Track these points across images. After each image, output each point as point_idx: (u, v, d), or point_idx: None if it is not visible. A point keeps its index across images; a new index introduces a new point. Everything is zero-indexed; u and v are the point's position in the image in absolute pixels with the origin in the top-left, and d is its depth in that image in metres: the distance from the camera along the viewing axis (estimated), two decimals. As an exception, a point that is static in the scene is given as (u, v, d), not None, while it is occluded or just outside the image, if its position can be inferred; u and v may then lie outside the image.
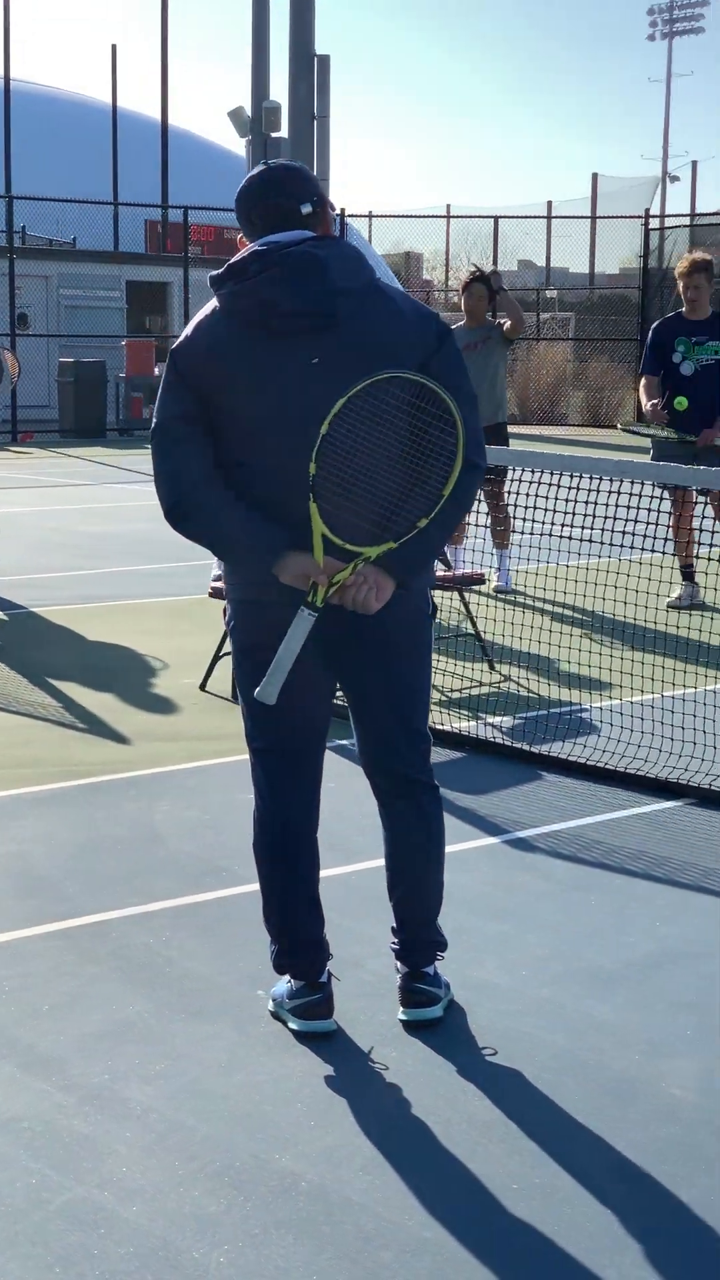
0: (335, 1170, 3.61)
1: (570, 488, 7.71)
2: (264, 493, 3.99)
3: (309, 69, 32.41)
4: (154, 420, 4.09)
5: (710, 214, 35.69)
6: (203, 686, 8.28)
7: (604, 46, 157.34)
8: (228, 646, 8.09)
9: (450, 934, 4.51)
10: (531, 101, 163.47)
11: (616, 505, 7.61)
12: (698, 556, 10.61)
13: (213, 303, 4.06)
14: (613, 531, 7.77)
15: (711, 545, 10.54)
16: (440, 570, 9.15)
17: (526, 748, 7.02)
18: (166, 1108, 3.90)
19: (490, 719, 7.57)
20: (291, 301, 3.90)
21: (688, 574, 10.65)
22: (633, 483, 7.61)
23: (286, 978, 4.36)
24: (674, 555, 10.58)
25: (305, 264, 3.93)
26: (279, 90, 30.60)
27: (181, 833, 6.00)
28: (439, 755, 6.74)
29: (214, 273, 4.05)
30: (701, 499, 10.44)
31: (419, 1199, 3.49)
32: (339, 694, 4.31)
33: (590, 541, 8.07)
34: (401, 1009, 4.32)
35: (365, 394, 3.85)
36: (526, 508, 8.08)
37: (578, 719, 7.58)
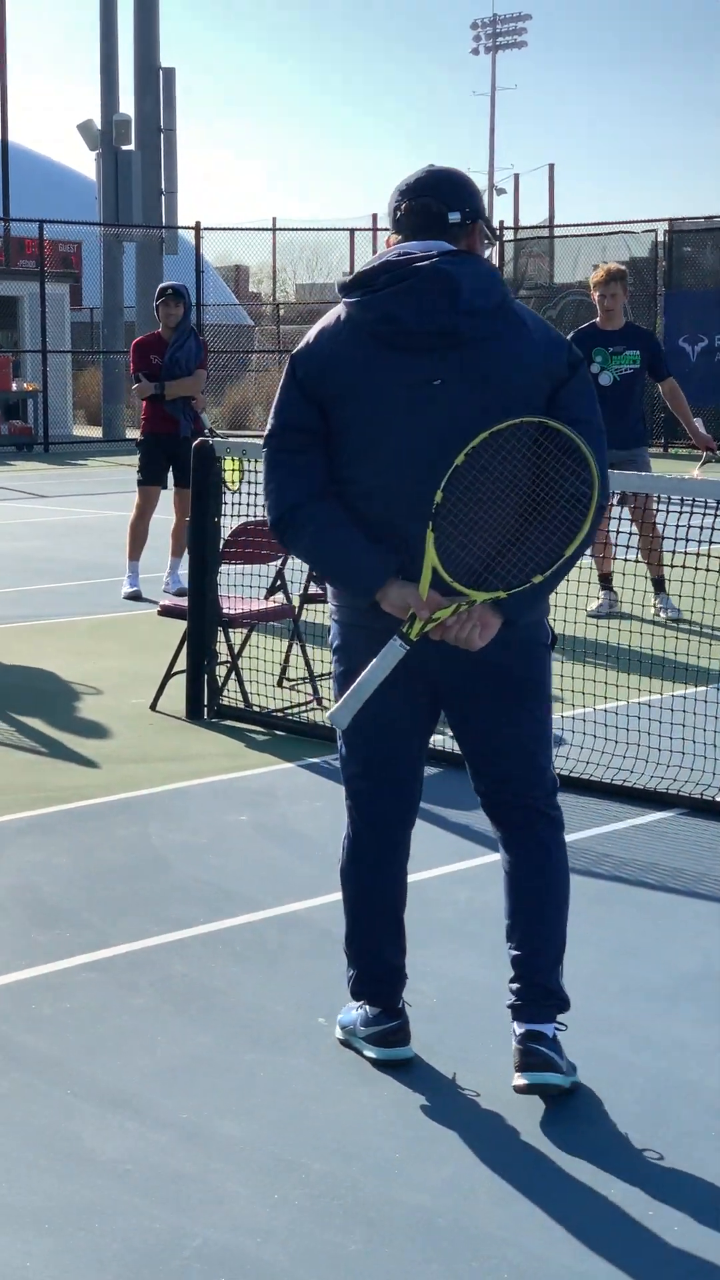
0: (466, 1203, 3.54)
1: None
2: (370, 512, 3.84)
3: (154, 82, 32.30)
4: (268, 428, 3.95)
5: (535, 226, 36.03)
6: (153, 707, 8.13)
7: (430, 60, 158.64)
8: (180, 665, 7.96)
9: (489, 951, 4.45)
10: (361, 115, 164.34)
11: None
12: (650, 564, 10.65)
13: (338, 309, 3.90)
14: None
15: (629, 549, 10.68)
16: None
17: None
18: (270, 1143, 3.80)
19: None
20: (417, 320, 3.73)
21: (606, 583, 10.73)
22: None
23: (356, 1004, 4.25)
24: (592, 564, 10.66)
25: (436, 281, 3.73)
26: (125, 104, 30.34)
27: (184, 857, 5.88)
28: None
29: (342, 279, 3.89)
30: (619, 507, 10.52)
31: (563, 1229, 3.43)
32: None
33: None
34: (517, 1073, 3.91)
35: (501, 430, 3.69)
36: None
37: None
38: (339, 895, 5.24)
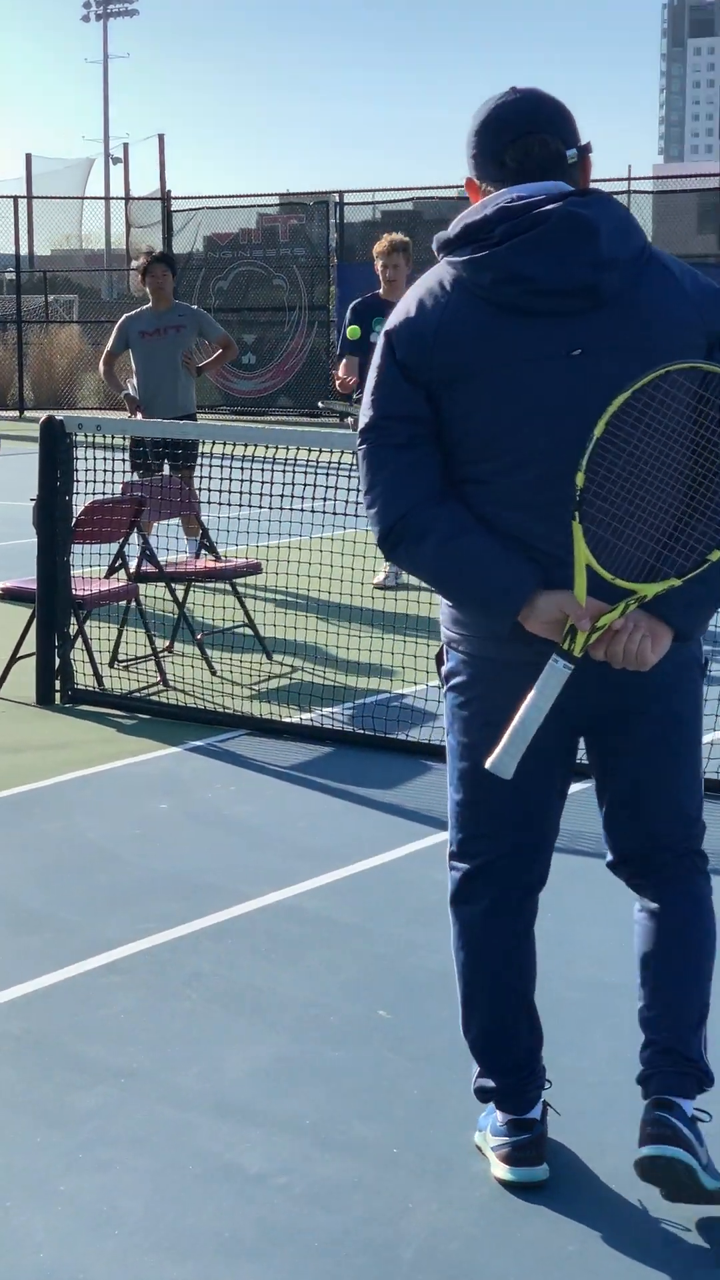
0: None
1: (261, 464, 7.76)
2: (500, 519, 3.14)
3: None
4: (363, 420, 3.23)
5: (144, 197, 35.49)
6: (-4, 692, 7.77)
7: (42, 27, 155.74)
8: (27, 649, 7.63)
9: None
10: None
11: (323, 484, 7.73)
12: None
13: (438, 271, 3.19)
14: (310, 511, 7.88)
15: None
16: (208, 561, 8.93)
17: (404, 737, 6.94)
18: (413, 1142, 3.69)
19: (324, 710, 7.41)
20: (552, 277, 3.03)
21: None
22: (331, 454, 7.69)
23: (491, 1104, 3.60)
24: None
25: (570, 228, 3.04)
26: None
27: (130, 849, 5.66)
28: (307, 750, 6.64)
29: (442, 234, 3.17)
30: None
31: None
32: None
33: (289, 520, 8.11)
34: (642, 1144, 3.31)
35: (646, 388, 3.02)
36: (219, 491, 7.99)
37: (409, 703, 7.51)
38: (319, 880, 5.17)
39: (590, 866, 5.33)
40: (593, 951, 4.73)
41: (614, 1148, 3.60)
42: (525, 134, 3.14)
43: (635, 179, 27.84)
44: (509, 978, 3.49)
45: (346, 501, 7.10)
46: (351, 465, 10.10)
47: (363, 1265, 3.24)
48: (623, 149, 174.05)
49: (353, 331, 10.57)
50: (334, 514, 7.58)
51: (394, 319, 3.21)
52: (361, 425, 3.23)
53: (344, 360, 10.78)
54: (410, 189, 26.96)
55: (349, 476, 7.14)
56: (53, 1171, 3.58)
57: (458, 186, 8.65)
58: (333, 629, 8.56)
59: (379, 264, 10.69)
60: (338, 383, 10.71)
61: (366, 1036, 4.22)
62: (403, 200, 27.50)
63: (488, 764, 3.11)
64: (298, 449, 7.86)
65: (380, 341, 3.22)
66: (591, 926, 4.91)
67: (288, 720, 7.19)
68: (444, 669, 3.39)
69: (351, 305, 10.88)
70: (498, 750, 3.12)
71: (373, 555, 9.72)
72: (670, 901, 3.42)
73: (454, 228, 3.15)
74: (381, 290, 10.72)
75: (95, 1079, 4.00)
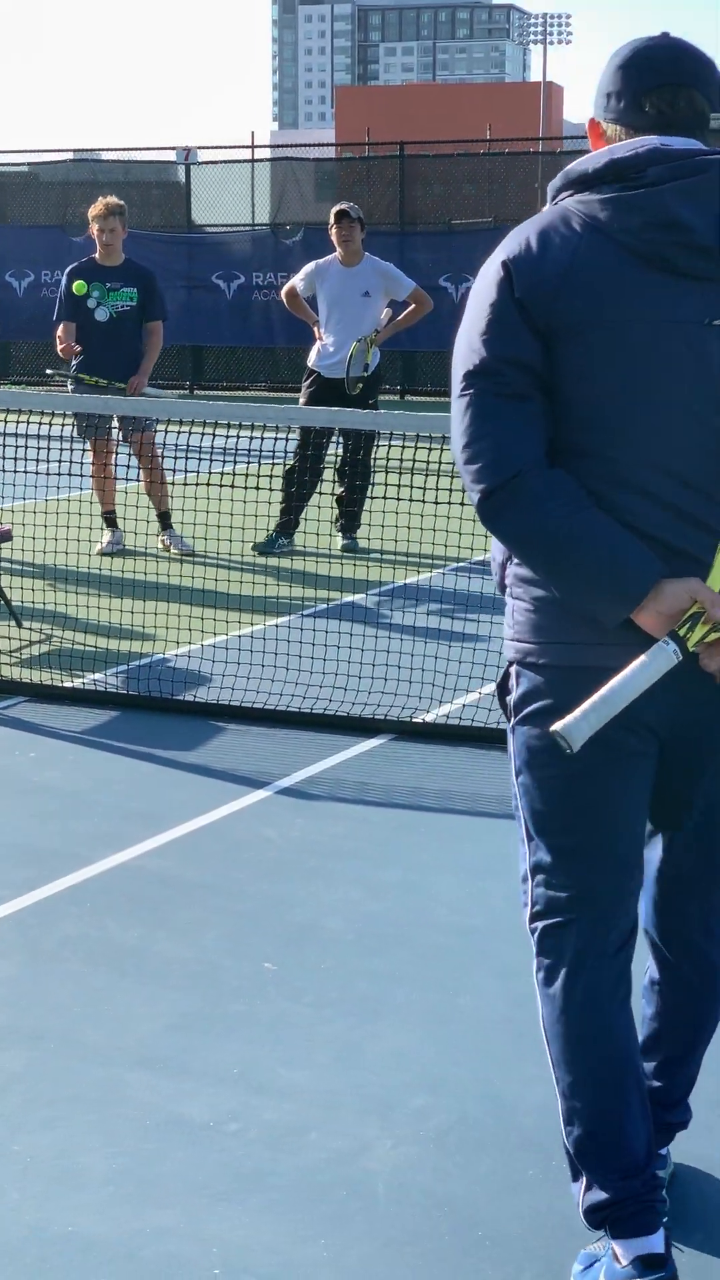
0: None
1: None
2: (609, 497, 2.76)
3: None
4: (466, 363, 2.78)
5: None
6: None
7: None
8: None
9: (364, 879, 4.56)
10: None
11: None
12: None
13: (560, 211, 2.79)
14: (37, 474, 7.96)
15: (129, 482, 10.72)
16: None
17: (190, 698, 6.99)
18: (385, 1094, 3.82)
19: (96, 675, 7.40)
20: (710, 231, 2.69)
21: (110, 520, 10.72)
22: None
23: (598, 1238, 3.06)
24: (98, 501, 10.62)
25: None
26: None
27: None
28: (93, 715, 6.65)
29: (575, 167, 2.79)
30: (124, 446, 10.56)
31: None
32: None
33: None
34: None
35: None
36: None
37: (179, 665, 7.55)
38: (155, 842, 5.27)
39: (431, 819, 5.54)
40: (448, 899, 4.91)
41: (535, 1080, 3.79)
42: (674, 83, 2.80)
43: (258, 146, 28.18)
44: (622, 1055, 2.96)
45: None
46: (72, 431, 10.06)
47: (341, 1199, 3.36)
48: (243, 116, 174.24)
49: (79, 287, 10.46)
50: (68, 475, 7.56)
51: (509, 249, 2.77)
52: (466, 367, 2.77)
53: (61, 325, 10.64)
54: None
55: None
56: None
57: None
58: (79, 593, 8.49)
59: (94, 228, 10.62)
60: (60, 348, 10.57)
61: (261, 989, 4.31)
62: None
63: (557, 726, 2.68)
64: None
65: (490, 274, 2.78)
66: (441, 874, 5.09)
67: (68, 685, 7.15)
68: (513, 696, 2.92)
69: (68, 270, 10.75)
70: (574, 715, 2.68)
71: (93, 526, 9.70)
72: (688, 972, 3.17)
73: (595, 161, 2.76)
74: (98, 254, 10.65)
75: (5, 1044, 4.00)
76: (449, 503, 7.46)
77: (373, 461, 10.36)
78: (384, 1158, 3.52)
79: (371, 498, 10.00)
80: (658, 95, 2.80)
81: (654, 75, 2.81)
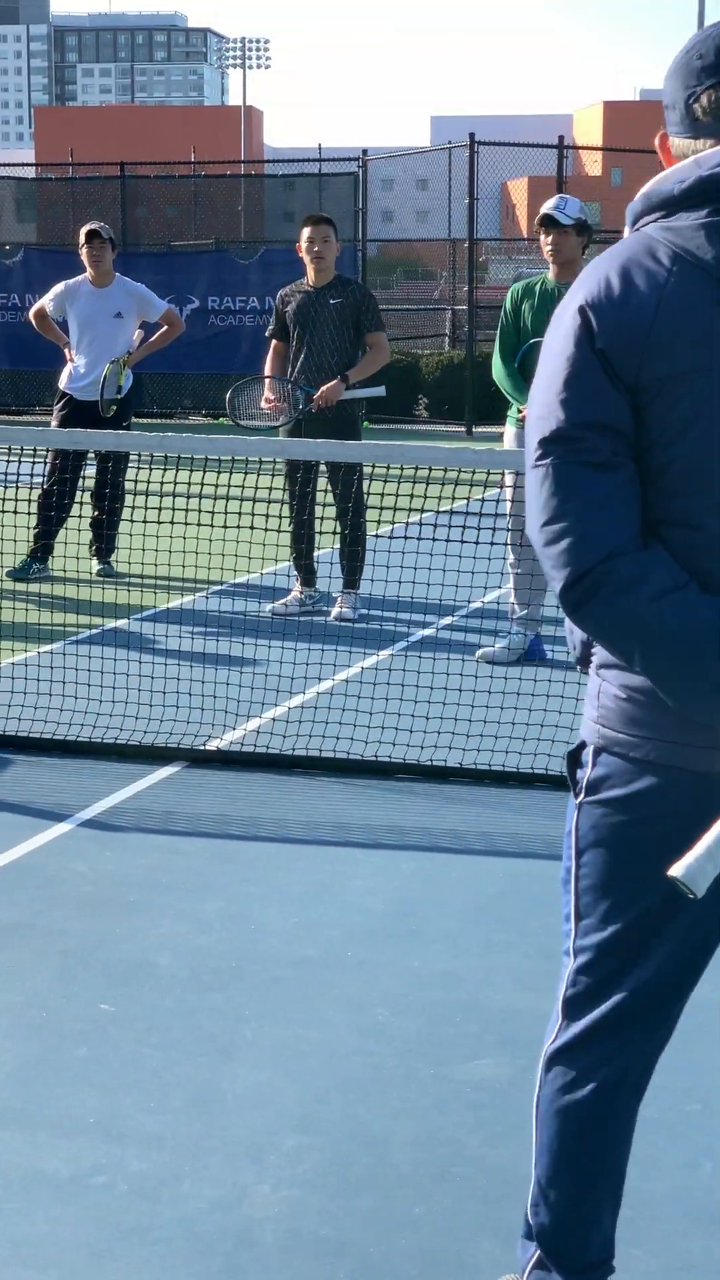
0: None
1: None
2: (716, 574, 2.40)
3: None
4: (542, 428, 2.43)
5: None
6: None
7: None
8: None
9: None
10: None
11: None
12: None
13: (643, 240, 2.42)
14: None
15: None
16: None
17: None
18: (253, 1136, 3.70)
19: None
20: None
21: None
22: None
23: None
24: None
25: None
26: None
27: None
28: None
29: (656, 189, 2.42)
30: None
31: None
32: None
33: None
34: None
35: None
36: None
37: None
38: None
39: (243, 847, 5.43)
40: (277, 930, 4.81)
41: (402, 1113, 3.72)
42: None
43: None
44: (614, 1158, 2.74)
45: None
46: None
47: (230, 1250, 3.24)
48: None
49: None
50: None
51: (586, 291, 2.40)
52: (541, 433, 2.42)
53: None
54: None
55: None
56: None
57: None
58: None
59: None
60: None
61: (102, 1031, 4.15)
62: None
63: (676, 871, 2.34)
64: None
65: (566, 321, 2.43)
66: (265, 905, 4.99)
67: None
68: (588, 774, 2.60)
69: None
70: (691, 857, 2.35)
71: None
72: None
73: (681, 179, 2.40)
74: None
75: None
76: (209, 525, 7.38)
77: (124, 483, 10.17)
78: (265, 1204, 3.40)
79: (131, 520, 9.80)
80: (707, 96, 2.43)
81: (708, 74, 2.43)
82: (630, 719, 2.50)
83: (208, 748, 6.53)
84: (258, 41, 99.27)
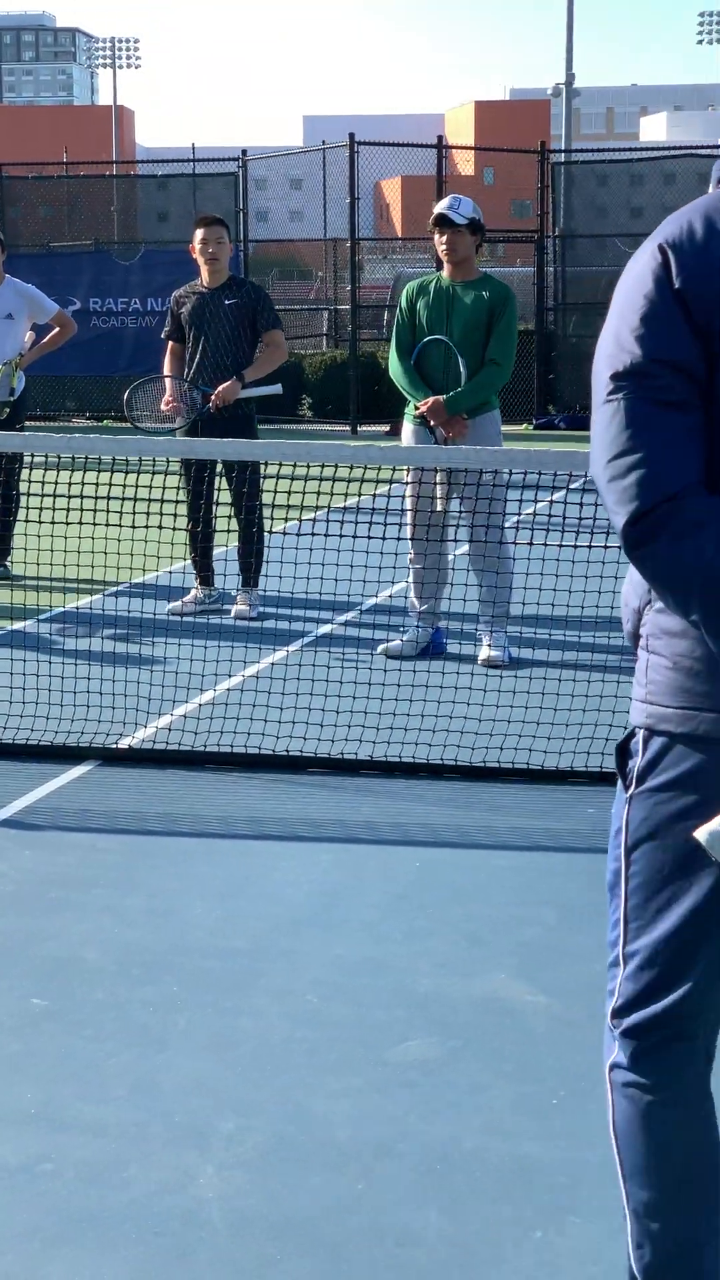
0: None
1: None
2: None
3: None
4: (615, 363, 2.38)
5: None
6: None
7: None
8: None
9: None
10: None
11: None
12: None
13: None
14: None
15: None
16: None
17: None
18: (194, 1121, 3.76)
19: None
20: None
21: None
22: None
23: None
24: None
25: None
26: None
27: None
28: None
29: None
30: None
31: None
32: None
33: None
34: None
35: None
36: None
37: None
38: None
39: (162, 843, 5.48)
40: (203, 923, 4.87)
41: (340, 1094, 3.81)
42: None
43: None
44: (708, 1177, 2.59)
45: None
46: None
47: (179, 1231, 3.30)
48: None
49: None
50: None
51: (667, 233, 2.37)
52: (614, 368, 2.37)
53: None
54: None
55: None
56: None
57: None
58: None
59: None
60: None
61: (35, 1025, 4.20)
62: None
63: (701, 835, 2.32)
64: None
65: (644, 260, 2.39)
66: (188, 899, 5.05)
67: None
68: (638, 762, 2.52)
69: None
70: (717, 822, 2.32)
71: None
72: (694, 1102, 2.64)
73: None
74: None
75: None
76: (105, 525, 7.42)
77: (18, 484, 10.15)
78: (211, 1185, 3.47)
79: (25, 521, 9.79)
80: None
81: None
82: (680, 689, 2.42)
83: (119, 746, 6.56)
84: (127, 41, 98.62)
